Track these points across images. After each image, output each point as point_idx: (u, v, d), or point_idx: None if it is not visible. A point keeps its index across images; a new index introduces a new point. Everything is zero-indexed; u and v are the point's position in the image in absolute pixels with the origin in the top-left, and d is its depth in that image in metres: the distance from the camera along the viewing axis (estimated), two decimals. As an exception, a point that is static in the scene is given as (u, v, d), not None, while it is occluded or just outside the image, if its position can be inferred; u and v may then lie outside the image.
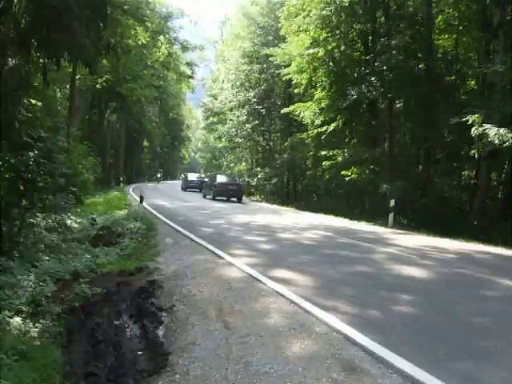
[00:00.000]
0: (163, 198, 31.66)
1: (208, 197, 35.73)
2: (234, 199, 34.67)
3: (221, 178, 36.71)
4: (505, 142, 16.35)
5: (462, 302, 7.39)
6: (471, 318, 6.45)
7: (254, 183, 45.68)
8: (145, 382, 4.74)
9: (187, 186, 48.26)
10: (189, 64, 47.19)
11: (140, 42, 36.74)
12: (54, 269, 8.69)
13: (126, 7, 31.73)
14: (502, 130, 16.41)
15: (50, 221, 12.90)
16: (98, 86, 41.36)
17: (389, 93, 25.30)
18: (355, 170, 25.27)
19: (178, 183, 61.10)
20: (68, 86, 33.02)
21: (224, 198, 34.00)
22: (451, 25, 25.65)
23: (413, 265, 10.29)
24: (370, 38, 27.59)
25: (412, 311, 6.65)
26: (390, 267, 9.93)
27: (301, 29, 28.17)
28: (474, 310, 6.85)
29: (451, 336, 5.59)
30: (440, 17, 25.53)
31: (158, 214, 18.44)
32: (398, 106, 29.26)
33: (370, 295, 7.32)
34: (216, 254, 10.24)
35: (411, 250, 12.90)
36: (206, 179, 42.44)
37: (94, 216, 17.70)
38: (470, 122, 17.47)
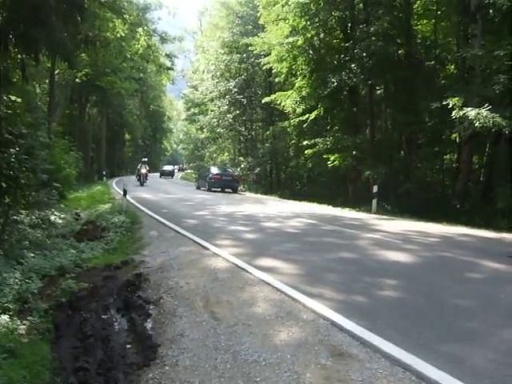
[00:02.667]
0: (146, 190, 31.61)
1: (203, 188, 36.39)
2: (229, 190, 35.34)
3: (215, 170, 36.97)
4: (485, 124, 16.45)
5: (447, 284, 7.46)
6: (456, 300, 6.51)
7: (237, 173, 45.70)
8: (134, 375, 4.75)
9: (162, 174, 70.39)
10: (168, 55, 46.74)
11: (118, 35, 36.41)
12: (40, 265, 8.66)
13: (103, 0, 31.49)
14: (483, 111, 16.50)
15: (33, 217, 12.87)
16: (77, 80, 41.07)
17: (369, 79, 25.38)
18: (338, 156, 25.33)
19: (158, 175, 62.03)
20: (47, 81, 32.72)
21: (218, 190, 34.95)
22: (430, 10, 25.75)
23: (397, 250, 10.37)
24: (349, 25, 27.64)
25: (397, 295, 6.70)
26: (374, 253, 9.99)
27: (280, 17, 28.21)
28: (458, 293, 6.92)
29: (437, 319, 5.64)
30: (418, 2, 25.64)
31: (141, 207, 18.40)
32: (378, 92, 29.43)
33: (355, 281, 7.36)
34: (201, 245, 10.25)
35: (395, 235, 12.99)
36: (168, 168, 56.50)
37: (78, 211, 17.67)
38: (450, 106, 17.57)
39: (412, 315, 5.78)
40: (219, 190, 34.73)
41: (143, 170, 39.43)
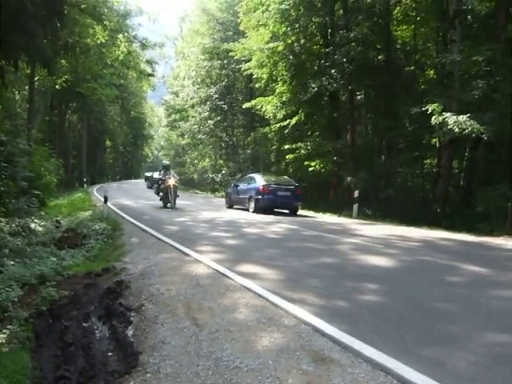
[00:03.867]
0: (127, 197, 31.43)
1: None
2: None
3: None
4: (464, 130, 16.60)
5: (428, 288, 7.50)
6: (437, 304, 6.53)
7: (218, 179, 45.67)
8: (116, 383, 4.73)
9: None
10: (149, 62, 46.79)
11: (99, 41, 36.36)
12: (20, 273, 8.59)
13: (83, 6, 31.40)
14: (461, 118, 16.64)
15: (13, 225, 12.76)
16: (57, 86, 40.85)
17: (349, 84, 25.57)
18: (318, 161, 25.43)
19: (142, 182, 61.00)
20: (27, 88, 32.54)
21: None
22: (409, 16, 26.01)
23: (378, 254, 10.41)
24: (329, 30, 27.82)
25: (378, 300, 6.72)
26: (355, 257, 10.03)
27: (260, 23, 28.33)
28: (439, 296, 6.95)
29: (418, 322, 5.67)
30: (398, 8, 25.88)
31: (122, 214, 18.31)
32: (358, 97, 29.60)
33: (336, 286, 7.37)
34: (182, 252, 10.20)
35: (376, 239, 13.05)
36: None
37: (59, 218, 17.54)
38: (429, 111, 17.70)
39: (393, 319, 5.79)
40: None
41: (171, 181, 21.86)
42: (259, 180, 23.04)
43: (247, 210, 22.79)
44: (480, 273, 8.90)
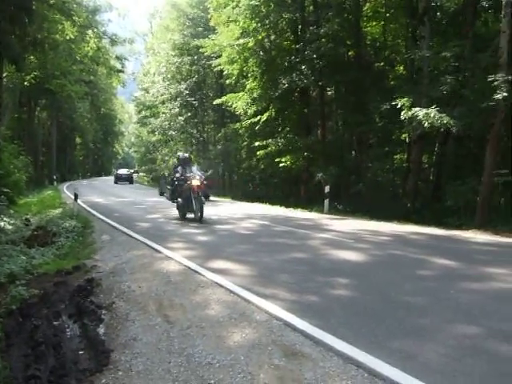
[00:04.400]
0: (98, 194, 31.27)
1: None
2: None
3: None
4: (433, 124, 16.74)
5: (398, 282, 7.56)
6: (407, 297, 6.59)
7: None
8: (87, 382, 4.68)
9: (119, 179, 57.62)
10: (119, 58, 46.54)
11: (68, 37, 36.09)
12: (-12, 273, 8.50)
13: (51, 1, 31.11)
14: (431, 110, 16.77)
15: (-19, 224, 12.60)
16: (26, 83, 40.33)
17: (319, 80, 25.61)
18: (289, 157, 25.50)
19: (111, 179, 60.86)
20: (-5, 85, 32.11)
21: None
22: (379, 12, 26.14)
23: (349, 249, 10.48)
24: (300, 26, 27.83)
25: (349, 294, 6.77)
26: (326, 252, 10.09)
27: (230, 19, 28.25)
28: (409, 290, 7.02)
29: (389, 316, 5.70)
30: (368, 4, 26.01)
31: (93, 211, 18.20)
32: (329, 93, 29.67)
33: (307, 281, 7.40)
34: (154, 249, 10.18)
35: (347, 234, 13.13)
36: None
37: (28, 216, 17.34)
38: (399, 106, 17.82)
39: (364, 313, 5.83)
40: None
41: (195, 181, 15.58)
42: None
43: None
44: (449, 266, 9.00)
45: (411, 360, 4.40)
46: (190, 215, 16.01)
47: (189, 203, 15.72)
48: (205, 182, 16.53)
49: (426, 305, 6.28)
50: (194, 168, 16.69)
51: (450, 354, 4.59)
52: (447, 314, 5.90)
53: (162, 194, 19.92)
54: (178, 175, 16.56)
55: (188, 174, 15.94)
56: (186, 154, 18.54)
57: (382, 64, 26.78)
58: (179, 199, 16.31)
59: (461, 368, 4.26)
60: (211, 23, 33.53)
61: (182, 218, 16.32)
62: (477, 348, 4.76)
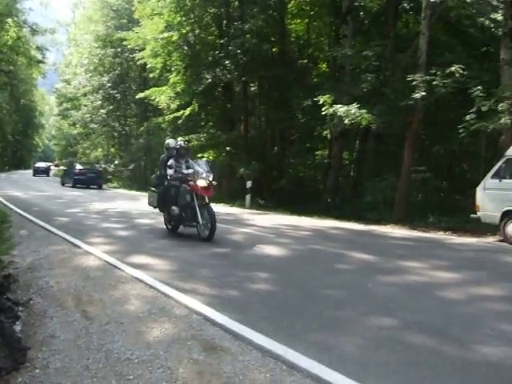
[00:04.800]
0: (17, 188, 30.44)
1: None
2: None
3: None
4: (354, 120, 17.04)
5: (318, 276, 7.68)
6: (326, 291, 6.71)
7: (111, 169, 44.96)
8: (3, 380, 4.56)
9: (37, 172, 59.37)
10: (39, 48, 45.32)
11: (-15, 25, 34.99)
12: None
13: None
14: (352, 107, 17.05)
15: None
16: None
17: (243, 76, 25.66)
18: (212, 152, 25.51)
19: (31, 173, 59.60)
20: None
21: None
22: (303, 10, 26.41)
23: (270, 243, 10.59)
24: (225, 21, 27.79)
25: (269, 288, 6.83)
26: (247, 247, 10.17)
27: (155, 12, 28.00)
28: (328, 284, 7.14)
29: (307, 309, 5.77)
30: (292, 2, 26.21)
31: (11, 206, 17.69)
32: (252, 88, 29.74)
33: (228, 275, 7.42)
34: (73, 244, 9.99)
35: (268, 229, 13.26)
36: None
37: None
38: (320, 103, 18.04)
39: (284, 307, 5.88)
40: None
41: (200, 182, 11.06)
42: (77, 166, 37.33)
43: (71, 186, 34.99)
44: (367, 260, 9.21)
45: (328, 352, 4.45)
46: (190, 229, 11.72)
47: (189, 213, 11.23)
48: (214, 183, 11.50)
49: (343, 298, 6.40)
50: (200, 162, 12.61)
51: (366, 345, 4.69)
52: (364, 306, 6.02)
53: (155, 206, 12.80)
54: (170, 172, 11.77)
55: (185, 171, 11.71)
56: (181, 142, 13.54)
57: (305, 61, 27.09)
58: (173, 207, 11.56)
59: (376, 358, 4.35)
60: (136, 15, 33.12)
61: (173, 230, 12.19)
62: (392, 339, 4.87)
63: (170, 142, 13.22)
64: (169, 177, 11.78)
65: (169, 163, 11.81)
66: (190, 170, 11.62)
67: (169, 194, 11.80)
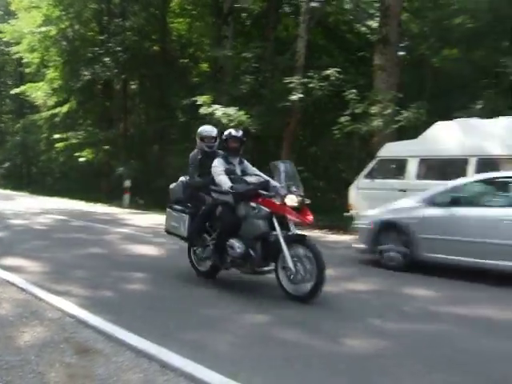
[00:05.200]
0: None
1: None
2: None
3: None
4: (232, 122, 17.22)
5: (193, 276, 7.70)
6: (200, 289, 6.77)
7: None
8: None
9: None
10: None
11: None
12: None
13: None
14: (230, 109, 17.23)
15: None
16: None
17: (123, 73, 25.43)
18: (90, 151, 25.13)
19: None
20: None
21: None
22: (186, 9, 26.46)
23: (146, 243, 10.63)
24: (105, 18, 27.45)
25: (144, 288, 6.87)
26: (123, 247, 10.17)
27: (33, 5, 27.31)
28: (203, 283, 7.19)
29: (182, 309, 5.83)
30: (175, 1, 26.15)
31: None
32: (133, 86, 29.53)
33: (103, 276, 7.36)
34: None
35: (145, 228, 13.26)
36: None
37: None
38: (199, 103, 18.11)
39: (158, 306, 5.90)
40: None
41: (290, 200, 6.20)
42: None
43: None
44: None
45: (202, 350, 4.50)
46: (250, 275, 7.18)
47: (264, 251, 6.47)
48: (307, 202, 6.51)
49: (217, 296, 6.49)
50: (282, 168, 6.88)
51: (239, 342, 4.78)
52: (237, 304, 6.13)
53: (182, 235, 7.70)
54: (223, 179, 6.86)
55: (249, 178, 7.15)
56: (234, 131, 7.64)
57: (186, 60, 27.13)
58: (232, 241, 6.59)
59: (249, 355, 4.44)
60: (12, 7, 32.03)
61: (209, 276, 7.42)
62: (264, 336, 5.00)
63: (206, 129, 8.10)
64: (212, 190, 7.24)
65: (215, 164, 7.12)
66: (253, 178, 7.14)
67: (220, 218, 7.06)
